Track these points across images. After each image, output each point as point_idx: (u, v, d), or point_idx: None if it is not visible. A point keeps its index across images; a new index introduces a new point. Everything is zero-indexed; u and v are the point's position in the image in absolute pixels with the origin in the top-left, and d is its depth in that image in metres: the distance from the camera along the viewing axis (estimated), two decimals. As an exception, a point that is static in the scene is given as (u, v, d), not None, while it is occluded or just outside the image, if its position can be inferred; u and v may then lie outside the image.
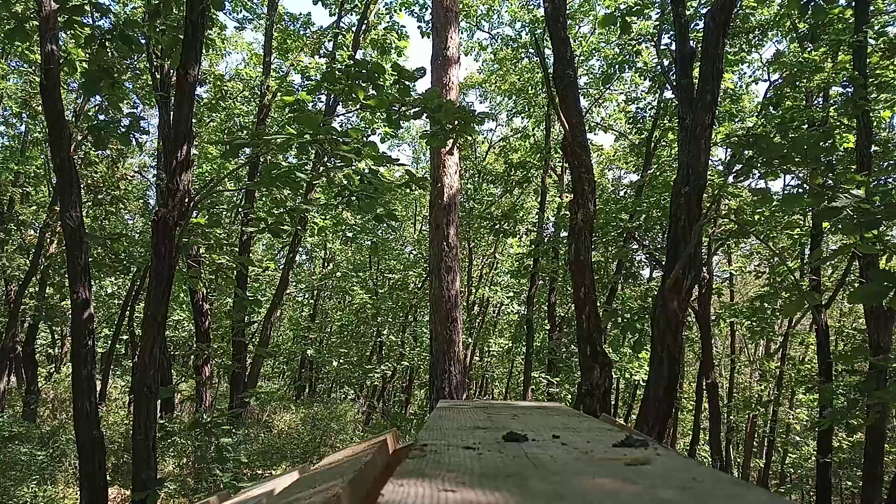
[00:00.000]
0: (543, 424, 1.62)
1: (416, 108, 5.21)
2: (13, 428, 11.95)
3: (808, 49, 10.31)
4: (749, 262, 18.26)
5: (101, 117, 6.50)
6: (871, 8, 8.85)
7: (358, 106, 5.44)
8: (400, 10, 15.84)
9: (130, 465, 5.59)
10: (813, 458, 14.29)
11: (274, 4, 14.48)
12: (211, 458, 8.28)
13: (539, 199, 16.99)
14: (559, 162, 16.77)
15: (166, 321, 5.39)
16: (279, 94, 13.60)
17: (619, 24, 6.66)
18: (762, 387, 18.88)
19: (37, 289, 14.94)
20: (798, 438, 18.15)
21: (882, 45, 8.23)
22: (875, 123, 10.04)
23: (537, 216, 17.14)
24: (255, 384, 14.99)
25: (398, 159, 5.44)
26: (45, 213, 14.32)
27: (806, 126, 9.89)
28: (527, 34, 17.10)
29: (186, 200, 5.08)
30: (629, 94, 16.80)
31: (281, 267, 18.01)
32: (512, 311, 21.98)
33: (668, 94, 13.59)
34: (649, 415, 4.88)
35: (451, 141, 5.40)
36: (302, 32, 15.77)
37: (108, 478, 7.37)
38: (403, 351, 19.61)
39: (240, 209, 14.03)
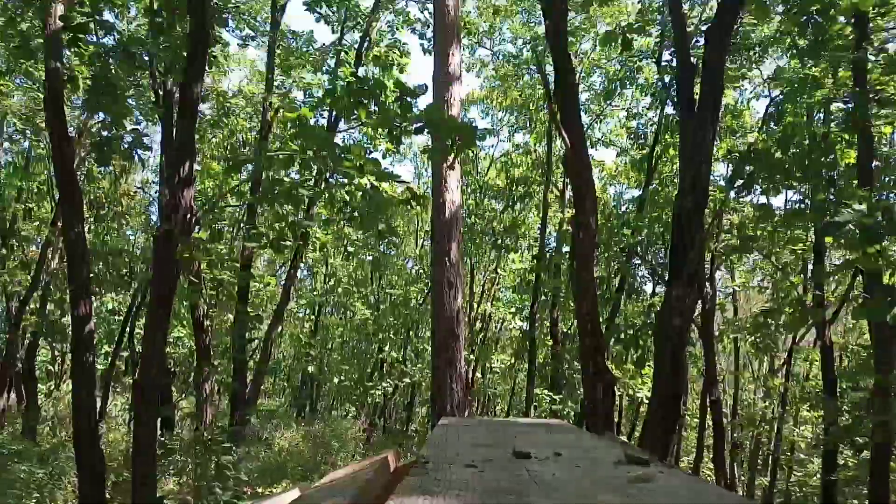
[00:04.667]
0: (546, 442, 1.60)
1: (418, 124, 5.24)
2: (12, 445, 11.87)
3: (809, 65, 10.35)
4: (752, 277, 18.23)
5: (105, 133, 6.53)
6: (871, 25, 8.89)
7: (360, 123, 5.47)
8: (402, 27, 15.94)
9: (130, 484, 5.55)
10: (818, 476, 14.16)
11: (277, 23, 14.60)
12: (211, 477, 8.22)
13: (541, 215, 17.00)
14: (561, 177, 16.80)
15: (167, 338, 5.37)
16: (282, 110, 13.67)
17: (620, 42, 6.69)
18: (766, 404, 18.75)
19: (38, 305, 14.91)
20: (803, 456, 17.98)
21: (882, 61, 8.25)
22: (876, 139, 10.05)
23: (539, 232, 17.14)
24: (256, 401, 14.92)
25: (399, 176, 5.46)
26: (48, 229, 14.33)
27: (807, 142, 9.91)
28: (528, 51, 17.22)
29: (189, 217, 5.08)
30: (630, 109, 16.89)
31: (282, 283, 18.00)
32: (514, 328, 21.92)
33: (670, 109, 13.66)
34: (653, 432, 4.83)
35: (453, 156, 5.42)
36: (304, 50, 15.87)
37: (108, 496, 7.32)
38: (405, 368, 19.53)
39: (242, 224, 14.07)
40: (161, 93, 10.73)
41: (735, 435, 17.73)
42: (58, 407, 17.24)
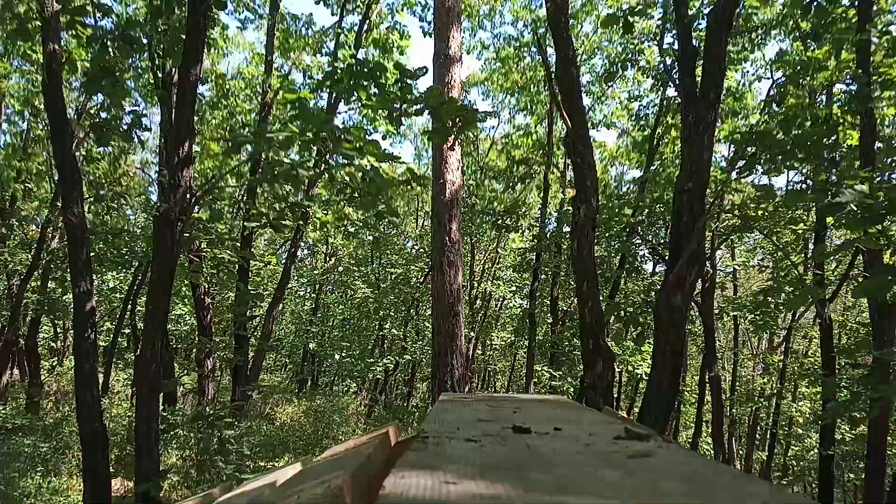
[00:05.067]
0: (546, 417, 1.62)
1: (419, 106, 5.20)
2: (16, 420, 12.01)
3: (812, 48, 10.29)
4: (752, 256, 18.25)
5: (103, 115, 6.50)
6: (875, 7, 8.82)
7: (360, 104, 5.44)
8: (402, 9, 15.81)
9: (133, 457, 5.62)
10: (816, 451, 14.34)
11: (276, 5, 14.46)
12: (214, 450, 8.31)
13: (541, 195, 16.98)
14: (562, 158, 16.76)
15: (168, 315, 5.40)
16: (281, 92, 13.61)
17: (621, 24, 6.62)
18: (765, 380, 18.91)
19: (39, 283, 14.99)
20: (801, 431, 18.19)
21: (885, 44, 8.20)
22: (879, 120, 10.01)
23: (539, 211, 17.13)
24: (258, 377, 15.03)
25: (400, 157, 5.44)
26: (47, 209, 14.33)
27: (809, 123, 9.87)
28: (529, 33, 17.09)
29: (188, 196, 5.08)
30: (632, 91, 16.79)
31: (283, 261, 18.04)
32: (515, 306, 22.01)
33: (671, 91, 13.57)
34: (652, 408, 4.88)
35: (453, 137, 5.39)
36: (304, 32, 15.75)
37: (112, 469, 7.41)
38: (405, 344, 19.63)
39: (242, 204, 14.08)
40: (160, 75, 10.68)
41: (733, 410, 17.90)
42: (61, 383, 17.39)
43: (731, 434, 16.72)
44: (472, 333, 17.78)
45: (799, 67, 10.05)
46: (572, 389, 14.67)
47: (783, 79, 11.68)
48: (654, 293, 10.67)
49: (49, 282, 15.36)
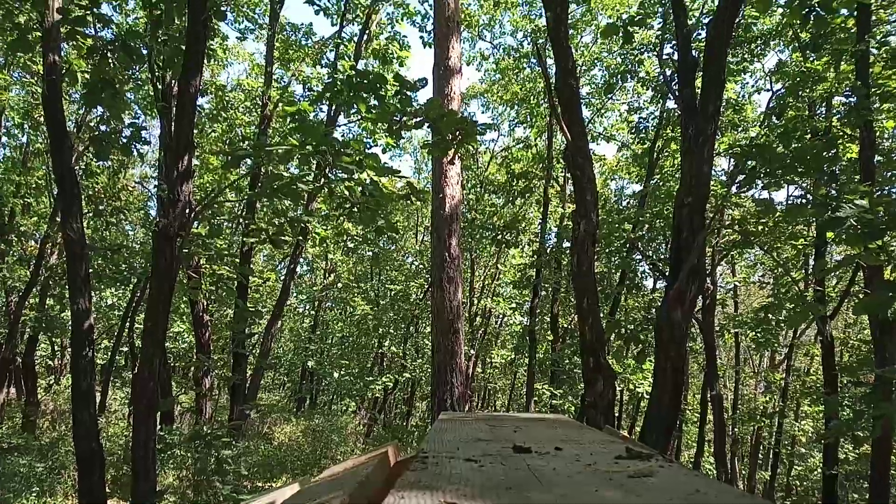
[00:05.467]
0: (546, 436, 1.59)
1: (418, 119, 5.21)
2: (12, 439, 11.91)
3: (811, 59, 10.34)
4: (753, 272, 18.23)
5: (103, 128, 6.51)
6: (873, 18, 8.88)
7: (359, 117, 5.44)
8: (402, 20, 15.91)
9: (130, 477, 5.56)
10: (819, 470, 14.23)
11: (276, 15, 14.55)
12: (211, 471, 8.24)
13: (541, 210, 17.00)
14: (562, 172, 16.80)
15: (166, 333, 5.38)
16: (281, 104, 13.66)
17: (620, 35, 6.65)
18: (767, 398, 18.81)
19: (37, 300, 14.94)
20: (804, 450, 18.06)
21: (885, 55, 8.25)
22: (878, 133, 10.05)
23: (539, 226, 17.14)
24: (256, 396, 14.94)
25: (399, 171, 5.43)
26: (46, 224, 14.33)
27: (809, 136, 9.90)
28: (528, 44, 17.19)
29: (187, 211, 5.06)
30: (631, 104, 16.86)
31: (282, 278, 18.01)
32: (515, 323, 21.94)
33: (671, 103, 13.63)
34: (653, 427, 4.83)
35: (453, 151, 5.39)
36: (304, 42, 15.84)
37: (108, 490, 7.33)
38: (405, 362, 19.55)
39: (241, 219, 14.06)
40: (160, 86, 10.72)
41: (735, 429, 17.79)
42: (57, 401, 17.28)
43: (734, 453, 16.60)
44: (471, 351, 17.70)
45: (798, 79, 10.11)
46: (573, 408, 14.57)
47: (782, 90, 11.74)
48: (654, 310, 10.64)
49: (47, 299, 15.32)
